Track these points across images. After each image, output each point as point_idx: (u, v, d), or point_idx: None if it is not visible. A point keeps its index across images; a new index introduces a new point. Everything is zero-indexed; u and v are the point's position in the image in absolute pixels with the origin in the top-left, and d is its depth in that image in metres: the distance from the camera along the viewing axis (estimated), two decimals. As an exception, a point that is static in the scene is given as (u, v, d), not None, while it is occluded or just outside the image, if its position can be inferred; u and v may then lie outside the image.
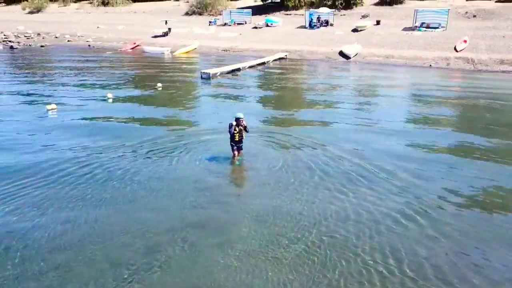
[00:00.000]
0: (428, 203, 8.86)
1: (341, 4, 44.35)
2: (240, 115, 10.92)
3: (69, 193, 9.44)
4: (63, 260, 6.97)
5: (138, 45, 39.32)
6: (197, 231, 7.86)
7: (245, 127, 10.97)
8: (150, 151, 12.15)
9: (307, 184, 9.89)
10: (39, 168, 10.78)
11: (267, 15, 46.23)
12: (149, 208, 8.80)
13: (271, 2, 53.48)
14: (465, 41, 29.75)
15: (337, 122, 15.40)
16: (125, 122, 15.50)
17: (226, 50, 35.78)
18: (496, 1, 40.31)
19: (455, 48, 29.31)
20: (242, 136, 11.06)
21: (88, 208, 8.76)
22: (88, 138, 13.40)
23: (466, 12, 38.27)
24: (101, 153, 11.96)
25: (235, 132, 10.90)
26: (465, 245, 7.33)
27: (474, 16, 37.37)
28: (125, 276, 6.55)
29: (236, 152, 11.37)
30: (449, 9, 35.08)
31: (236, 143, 11.22)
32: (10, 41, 44.65)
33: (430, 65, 27.90)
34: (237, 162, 11.35)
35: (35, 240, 7.57)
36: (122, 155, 11.78)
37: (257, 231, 7.85)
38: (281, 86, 23.01)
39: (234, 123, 10.84)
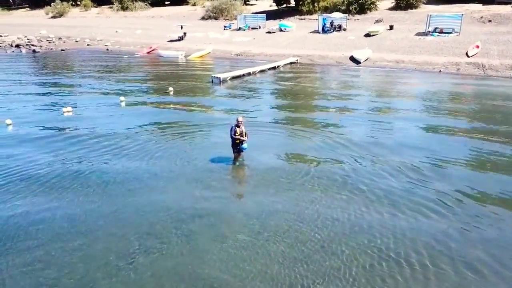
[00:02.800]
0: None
1: (355, 9, 44.54)
2: (240, 118, 11.53)
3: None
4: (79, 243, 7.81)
5: (154, 49, 40.35)
6: (195, 222, 8.76)
7: (245, 133, 11.53)
8: (158, 147, 13.18)
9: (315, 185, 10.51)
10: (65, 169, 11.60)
11: (281, 20, 46.72)
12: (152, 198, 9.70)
13: (286, 7, 54.07)
14: (477, 47, 29.62)
15: (342, 126, 15.83)
16: (132, 125, 16.17)
17: (239, 55, 36.42)
18: (513, 6, 39.81)
19: (466, 54, 29.21)
20: (243, 138, 11.56)
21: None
22: (94, 143, 14.21)
23: (482, 17, 37.93)
24: (104, 151, 12.76)
25: (236, 134, 11.45)
26: None
27: (490, 21, 37.01)
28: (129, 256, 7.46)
29: (236, 154, 11.97)
30: (462, 14, 34.91)
31: (237, 146, 11.77)
32: (33, 45, 46.33)
33: (440, 70, 27.89)
34: (237, 163, 11.96)
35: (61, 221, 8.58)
36: (126, 154, 12.55)
37: (250, 225, 8.56)
38: (289, 90, 23.51)
39: (236, 128, 11.42)
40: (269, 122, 16.52)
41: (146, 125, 16.18)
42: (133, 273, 7.06)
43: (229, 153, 12.04)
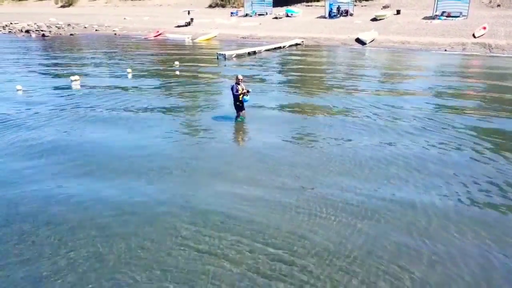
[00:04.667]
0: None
1: (362, -6, 44.45)
2: (240, 76, 11.72)
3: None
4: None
5: (161, 33, 40.70)
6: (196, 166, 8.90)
7: (247, 91, 11.71)
8: (164, 111, 13.33)
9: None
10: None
11: (288, 6, 46.75)
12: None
13: (293, -6, 54.01)
14: (484, 28, 29.48)
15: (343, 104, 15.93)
16: (139, 93, 16.51)
17: (245, 38, 36.61)
18: (522, -9, 39.40)
19: (473, 35, 29.08)
20: (245, 91, 11.71)
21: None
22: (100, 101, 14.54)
23: (490, 1, 37.67)
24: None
25: (239, 93, 11.62)
26: None
27: (498, 5, 36.76)
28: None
29: (240, 112, 12.16)
30: (470, -3, 34.70)
31: (239, 104, 11.96)
32: (42, 31, 46.90)
33: (445, 50, 27.84)
34: (239, 119, 12.15)
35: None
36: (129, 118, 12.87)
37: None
38: (292, 67, 23.68)
39: (237, 86, 11.59)
40: (274, 85, 16.72)
41: (150, 88, 16.52)
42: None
43: (232, 113, 12.25)
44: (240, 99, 11.76)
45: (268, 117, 12.65)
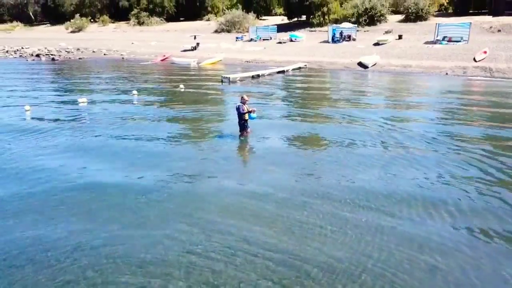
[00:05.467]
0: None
1: (365, 21, 45.43)
2: (245, 96, 12.15)
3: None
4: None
5: (167, 57, 41.61)
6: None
7: (253, 110, 12.16)
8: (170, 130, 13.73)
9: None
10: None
11: (292, 31, 47.77)
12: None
13: (297, 20, 55.29)
14: (485, 52, 29.92)
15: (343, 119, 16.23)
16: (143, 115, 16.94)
17: (250, 62, 37.32)
18: (523, 16, 40.00)
19: (474, 59, 29.50)
20: (251, 109, 12.17)
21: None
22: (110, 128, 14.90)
23: (491, 27, 38.27)
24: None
25: (245, 111, 12.00)
26: None
27: (499, 30, 37.32)
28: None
29: (244, 132, 12.57)
30: (470, 23, 35.35)
31: (244, 123, 12.39)
32: (52, 55, 48.16)
33: (447, 73, 28.22)
34: (241, 138, 12.58)
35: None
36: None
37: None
38: (295, 88, 24.28)
39: (243, 105, 12.03)
40: (278, 112, 17.04)
41: (155, 108, 16.92)
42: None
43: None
44: (246, 118, 12.16)
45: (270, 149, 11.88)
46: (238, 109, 12.11)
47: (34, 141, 12.67)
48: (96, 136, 13.21)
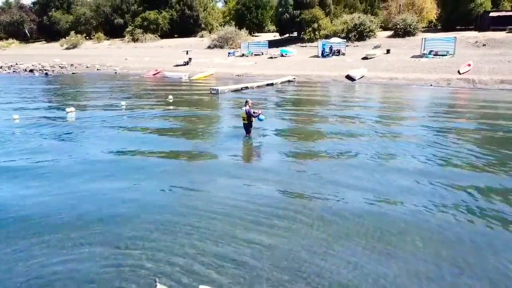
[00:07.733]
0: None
1: (354, 36, 46.41)
2: (250, 101, 13.18)
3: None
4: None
5: (159, 72, 42.13)
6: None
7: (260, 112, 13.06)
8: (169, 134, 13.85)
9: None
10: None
11: (283, 47, 48.59)
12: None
13: (289, 36, 56.30)
14: (469, 65, 30.66)
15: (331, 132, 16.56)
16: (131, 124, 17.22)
17: (240, 75, 37.88)
18: (507, 32, 41.00)
19: (458, 71, 30.19)
20: (259, 112, 13.00)
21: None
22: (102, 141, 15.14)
23: (476, 42, 39.24)
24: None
25: (256, 114, 12.82)
26: None
27: (484, 45, 38.25)
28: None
29: (249, 134, 13.38)
30: (455, 37, 36.24)
31: (249, 126, 13.19)
32: (46, 70, 48.62)
33: (431, 85, 28.85)
34: (246, 137, 13.31)
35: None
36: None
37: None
38: (286, 98, 24.87)
39: (252, 110, 12.87)
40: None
41: (142, 118, 17.19)
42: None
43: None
44: (254, 120, 12.96)
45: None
46: (248, 112, 12.75)
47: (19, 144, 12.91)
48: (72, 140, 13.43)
